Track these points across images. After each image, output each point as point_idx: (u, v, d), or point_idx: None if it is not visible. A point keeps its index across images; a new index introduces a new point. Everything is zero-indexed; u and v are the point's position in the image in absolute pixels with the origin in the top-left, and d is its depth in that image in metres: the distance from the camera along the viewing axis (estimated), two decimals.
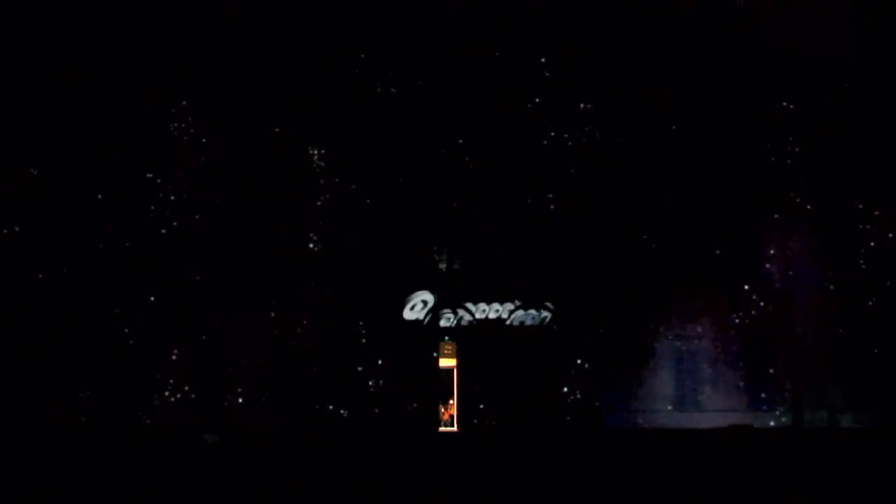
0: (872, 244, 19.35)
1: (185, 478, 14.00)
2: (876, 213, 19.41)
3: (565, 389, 18.90)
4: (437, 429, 18.94)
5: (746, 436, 17.67)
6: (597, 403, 18.90)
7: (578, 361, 18.94)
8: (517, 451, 16.07)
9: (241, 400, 18.29)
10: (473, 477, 14.36)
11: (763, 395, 19.16)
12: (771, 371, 19.29)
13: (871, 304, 19.16)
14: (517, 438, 17.62)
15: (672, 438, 17.62)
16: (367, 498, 13.28)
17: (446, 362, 19.22)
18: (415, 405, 18.72)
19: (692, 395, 19.25)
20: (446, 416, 19.28)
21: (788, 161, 19.62)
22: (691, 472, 14.49)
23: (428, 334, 18.92)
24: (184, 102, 18.64)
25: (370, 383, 18.59)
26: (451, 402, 19.30)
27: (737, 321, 19.31)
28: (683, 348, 19.28)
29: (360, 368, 18.59)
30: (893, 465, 14.68)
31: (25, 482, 13.22)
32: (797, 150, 19.61)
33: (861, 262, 19.33)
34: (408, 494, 13.42)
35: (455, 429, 19.07)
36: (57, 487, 12.91)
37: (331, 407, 18.51)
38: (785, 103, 19.67)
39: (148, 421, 18.02)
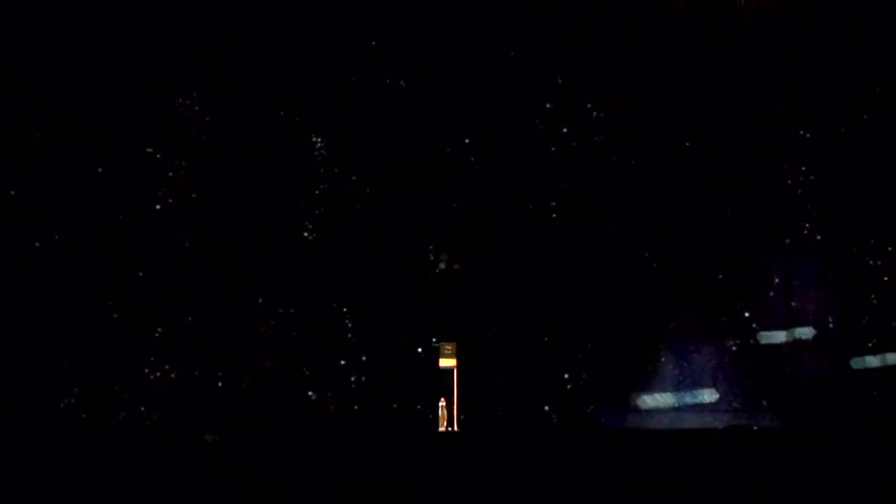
0: (886, 278, 19.30)
1: (184, 478, 14.00)
2: (889, 248, 19.37)
3: (563, 389, 18.91)
4: (437, 429, 18.94)
5: (746, 436, 17.64)
6: (594, 404, 18.91)
7: (576, 361, 18.96)
8: (515, 452, 16.06)
9: (235, 397, 18.26)
10: (473, 477, 14.35)
11: (763, 396, 19.17)
12: (772, 371, 19.32)
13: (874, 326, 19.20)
14: (515, 439, 17.62)
15: (671, 439, 17.61)
16: (365, 498, 13.28)
17: (446, 362, 19.21)
18: (414, 405, 18.75)
19: (691, 396, 19.25)
20: (446, 417, 19.27)
21: (800, 189, 19.59)
22: (691, 473, 14.48)
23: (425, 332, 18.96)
24: (188, 80, 18.54)
25: (362, 380, 18.59)
26: (451, 402, 19.29)
27: (739, 322, 19.36)
28: (683, 348, 19.29)
29: (354, 368, 18.58)
30: (893, 466, 14.67)
31: (20, 482, 13.23)
32: (811, 177, 19.59)
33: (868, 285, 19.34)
34: (407, 494, 13.42)
35: (455, 429, 19.06)
36: (53, 487, 12.91)
37: (330, 406, 18.51)
38: (801, 131, 19.65)
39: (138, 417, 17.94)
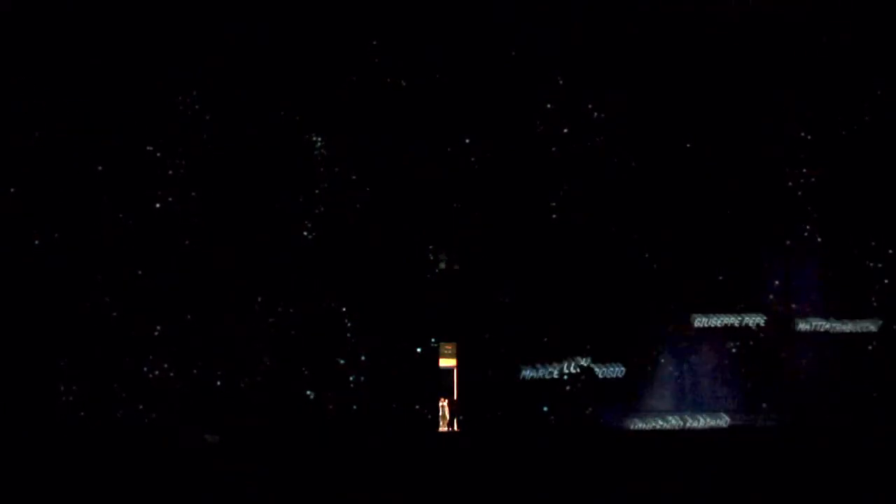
0: (886, 281, 19.29)
1: (184, 478, 13.98)
2: (889, 251, 19.35)
3: (563, 390, 18.91)
4: (437, 429, 18.94)
5: (746, 436, 17.65)
6: (593, 404, 18.90)
7: (575, 360, 18.95)
8: (515, 452, 16.07)
9: (234, 396, 18.23)
10: (473, 477, 14.34)
11: (763, 396, 19.17)
12: (771, 371, 19.32)
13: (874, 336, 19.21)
14: (515, 439, 17.62)
15: (671, 439, 17.61)
16: (365, 498, 13.26)
17: (446, 362, 19.22)
18: (414, 405, 18.73)
19: (691, 396, 19.24)
20: (447, 417, 19.28)
21: (800, 192, 19.58)
22: (691, 473, 14.48)
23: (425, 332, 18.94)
24: (188, 80, 18.49)
25: (361, 380, 18.57)
26: (451, 402, 19.30)
27: (738, 325, 19.36)
28: (682, 348, 19.27)
29: (353, 367, 18.57)
30: (893, 466, 14.67)
31: (20, 482, 13.20)
32: (812, 179, 19.56)
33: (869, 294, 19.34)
34: (407, 494, 13.41)
35: (455, 429, 19.07)
36: (53, 487, 12.88)
37: (330, 406, 18.50)
38: (802, 133, 19.63)
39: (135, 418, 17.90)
